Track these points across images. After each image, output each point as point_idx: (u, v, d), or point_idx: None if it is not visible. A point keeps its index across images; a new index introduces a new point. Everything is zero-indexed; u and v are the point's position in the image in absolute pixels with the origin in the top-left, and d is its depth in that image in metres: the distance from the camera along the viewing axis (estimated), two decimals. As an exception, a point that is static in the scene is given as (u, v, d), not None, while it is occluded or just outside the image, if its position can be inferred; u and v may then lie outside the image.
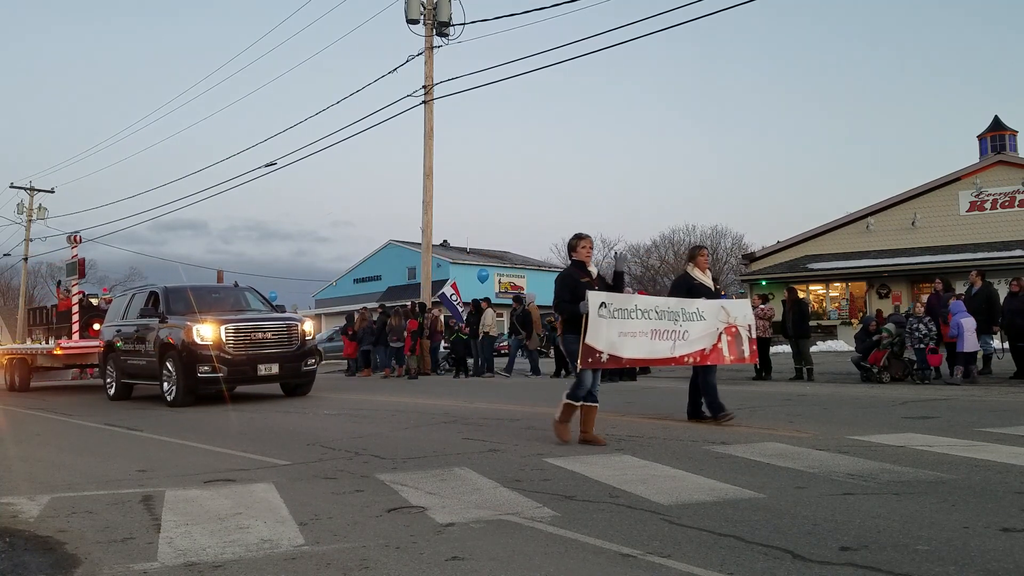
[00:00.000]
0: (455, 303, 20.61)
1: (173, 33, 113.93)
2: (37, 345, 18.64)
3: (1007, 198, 28.00)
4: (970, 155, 51.98)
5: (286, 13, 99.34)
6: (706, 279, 8.27)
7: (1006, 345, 13.78)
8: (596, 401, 6.91)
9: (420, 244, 23.14)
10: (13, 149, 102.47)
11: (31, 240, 41.38)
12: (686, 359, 7.53)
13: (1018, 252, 25.73)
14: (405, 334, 19.44)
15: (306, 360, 12.94)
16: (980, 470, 5.21)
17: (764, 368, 15.15)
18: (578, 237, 7.08)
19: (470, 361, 19.63)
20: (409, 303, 23.93)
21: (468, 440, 7.38)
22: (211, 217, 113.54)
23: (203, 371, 11.84)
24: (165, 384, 12.31)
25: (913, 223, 29.35)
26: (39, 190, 41.29)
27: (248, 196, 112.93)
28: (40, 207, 41.13)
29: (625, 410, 9.62)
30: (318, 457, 6.62)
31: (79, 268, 17.52)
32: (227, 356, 11.98)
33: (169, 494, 5.11)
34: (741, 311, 8.18)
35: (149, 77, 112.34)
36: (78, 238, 18.44)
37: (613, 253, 8.22)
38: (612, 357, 6.75)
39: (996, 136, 30.50)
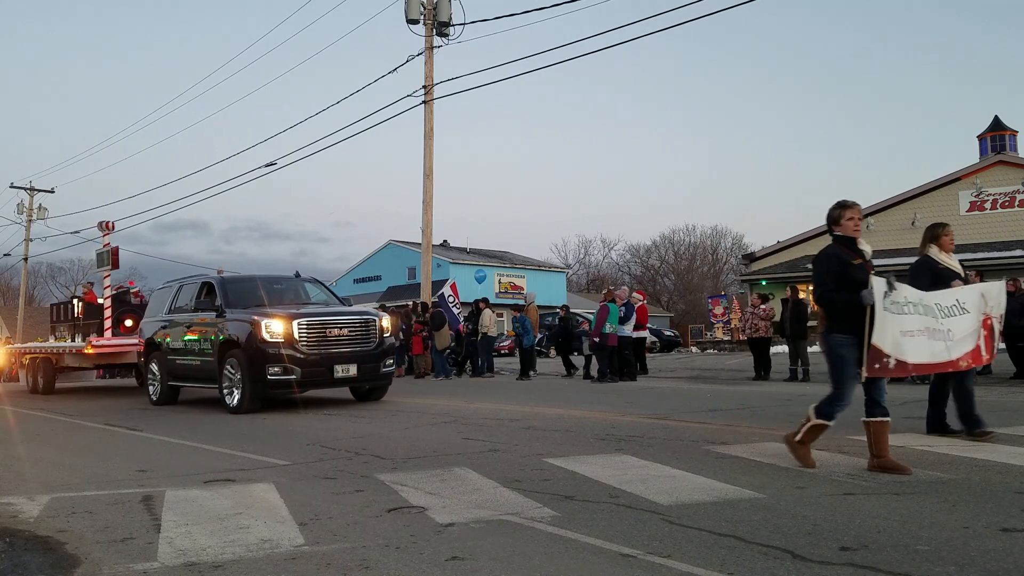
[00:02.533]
0: (452, 305, 20.56)
1: (173, 33, 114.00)
2: (64, 343, 16.95)
3: (1007, 198, 28.01)
4: (970, 155, 52.02)
5: (286, 13, 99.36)
6: (953, 262, 6.70)
7: (1003, 345, 13.77)
8: (888, 414, 5.44)
9: (420, 244, 23.12)
10: (13, 149, 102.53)
11: (31, 240, 41.36)
12: (960, 362, 6.05)
13: (1018, 252, 25.75)
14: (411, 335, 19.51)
15: (385, 360, 11.60)
16: (980, 470, 5.21)
17: (764, 368, 15.17)
18: (842, 206, 5.55)
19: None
20: (411, 303, 23.93)
21: (468, 440, 7.38)
22: (212, 217, 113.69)
23: (273, 372, 10.43)
24: (227, 388, 10.95)
25: (913, 223, 29.34)
26: (39, 190, 41.27)
27: (249, 196, 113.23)
28: (40, 207, 41.08)
29: (625, 410, 9.63)
30: (318, 457, 6.62)
31: (112, 258, 15.88)
32: (300, 355, 10.55)
33: (169, 494, 5.11)
34: (997, 298, 6.46)
35: (149, 77, 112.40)
36: (110, 225, 16.86)
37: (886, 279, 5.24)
38: (899, 363, 5.40)
39: (996, 136, 30.51)
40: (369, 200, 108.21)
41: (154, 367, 13.03)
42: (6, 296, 65.42)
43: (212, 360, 11.32)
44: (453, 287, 21.49)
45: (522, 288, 48.16)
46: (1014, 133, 30.68)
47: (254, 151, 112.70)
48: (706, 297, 52.82)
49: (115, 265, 16.10)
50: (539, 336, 18.97)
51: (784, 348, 16.62)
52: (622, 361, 15.56)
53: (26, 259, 42.10)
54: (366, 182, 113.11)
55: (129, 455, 7.26)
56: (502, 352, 22.63)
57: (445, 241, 52.70)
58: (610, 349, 15.28)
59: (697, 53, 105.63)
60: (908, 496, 4.51)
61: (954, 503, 4.32)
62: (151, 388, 13.13)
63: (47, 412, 12.47)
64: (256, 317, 10.72)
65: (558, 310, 19.62)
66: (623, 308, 15.58)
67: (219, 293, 11.67)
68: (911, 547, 3.52)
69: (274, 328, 10.57)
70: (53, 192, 41.78)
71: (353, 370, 10.96)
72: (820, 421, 5.45)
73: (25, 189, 40.99)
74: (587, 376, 16.73)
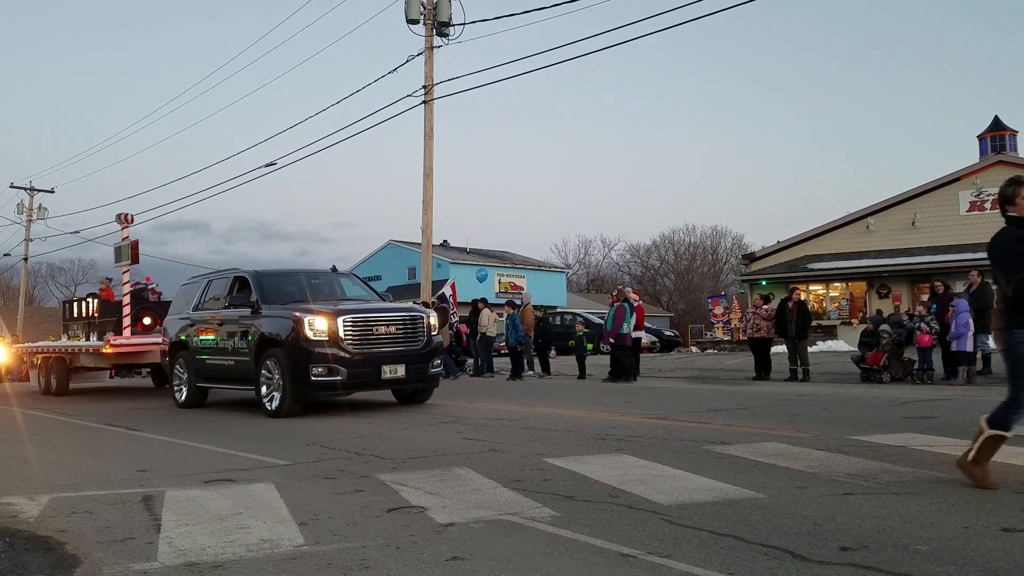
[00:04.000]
0: (450, 306, 20.49)
1: (173, 33, 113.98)
2: (80, 342, 16.10)
3: (1007, 198, 27.98)
4: (970, 155, 52.03)
5: (286, 13, 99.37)
6: None
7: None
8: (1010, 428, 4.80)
9: (420, 244, 23.11)
10: (13, 149, 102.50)
11: (31, 240, 41.34)
12: None
13: (1018, 252, 25.72)
14: None
15: (433, 360, 10.86)
16: (980, 470, 5.20)
17: (764, 369, 15.18)
18: (1017, 183, 5.03)
19: (469, 361, 19.62)
20: (411, 303, 23.85)
21: (468, 440, 7.38)
22: (213, 218, 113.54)
23: (317, 373, 9.77)
24: (265, 390, 10.26)
25: (913, 223, 29.35)
26: (39, 190, 41.22)
27: (250, 196, 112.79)
28: (40, 207, 41.01)
29: (625, 410, 9.63)
30: (318, 457, 6.62)
31: (131, 252, 15.05)
32: (345, 355, 9.86)
33: (169, 494, 5.11)
34: None
35: (150, 77, 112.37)
36: (129, 217, 16.03)
37: None
38: None
39: (996, 136, 30.51)
40: (369, 200, 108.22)
41: (180, 368, 12.31)
42: (6, 296, 65.39)
43: (248, 360, 10.64)
44: (452, 287, 21.44)
45: (522, 288, 48.17)
46: (1014, 133, 30.67)
47: (254, 151, 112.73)
48: (706, 297, 52.82)
49: (135, 259, 15.24)
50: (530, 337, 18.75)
51: (784, 348, 16.64)
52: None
53: (26, 259, 42.07)
54: (366, 182, 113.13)
55: (129, 455, 7.26)
56: (501, 352, 22.59)
57: (445, 241, 52.70)
58: (627, 349, 15.37)
59: (697, 53, 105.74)
60: (908, 496, 4.51)
61: (954, 503, 4.32)
62: (176, 390, 12.41)
63: (48, 412, 12.47)
64: (299, 313, 10.04)
65: (536, 312, 19.47)
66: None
67: (254, 288, 10.99)
68: (911, 547, 3.52)
69: (318, 325, 9.87)
70: (53, 192, 41.73)
71: (401, 371, 10.29)
72: (995, 432, 4.76)
73: (25, 189, 40.95)
74: (581, 376, 16.79)
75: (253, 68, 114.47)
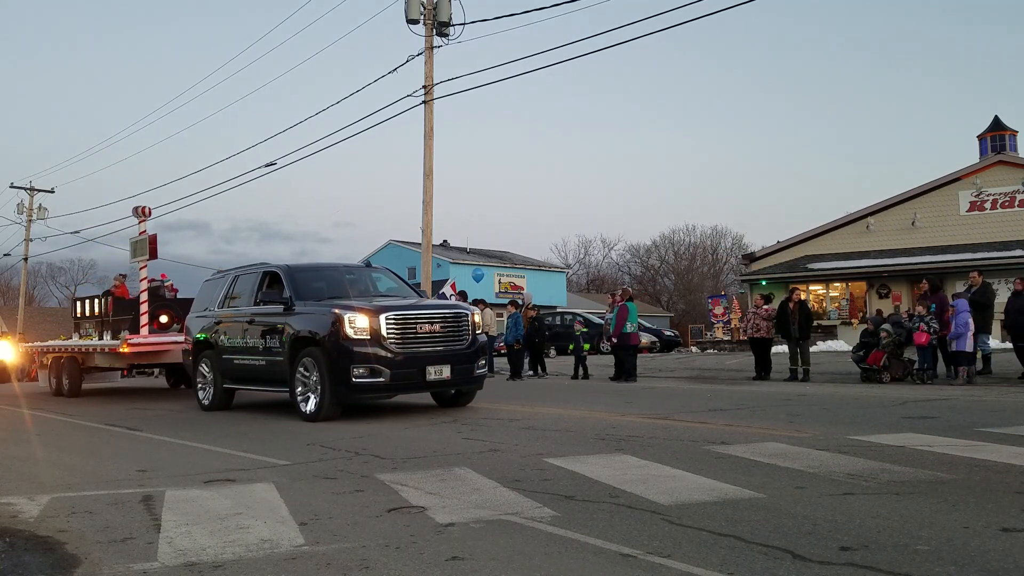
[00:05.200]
0: None
1: (173, 33, 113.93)
2: (94, 341, 15.39)
3: (1007, 198, 28.00)
4: (970, 155, 51.95)
5: (286, 13, 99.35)
6: None
7: (1003, 345, 13.78)
8: None
9: (420, 244, 23.12)
10: (13, 149, 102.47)
11: (31, 240, 41.33)
12: None
13: (1018, 252, 25.72)
14: None
15: (479, 360, 10.33)
16: (980, 470, 5.21)
17: (764, 368, 15.18)
18: None
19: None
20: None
21: (468, 440, 7.38)
22: (213, 218, 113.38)
23: (358, 374, 9.13)
24: (301, 392, 9.61)
25: (913, 223, 29.33)
26: (39, 190, 41.19)
27: (250, 196, 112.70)
28: (40, 207, 40.98)
29: (625, 410, 9.63)
30: (318, 457, 6.63)
31: (150, 247, 14.47)
32: (388, 355, 9.24)
33: (169, 494, 5.11)
34: None
35: (149, 77, 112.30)
36: (146, 211, 15.26)
37: None
38: None
39: (996, 136, 30.49)
40: (369, 200, 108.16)
41: (204, 368, 11.61)
42: (6, 296, 65.35)
43: (282, 360, 9.99)
44: (452, 286, 21.45)
45: (522, 288, 48.15)
46: (1014, 133, 30.66)
47: (254, 151, 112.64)
48: (706, 297, 52.83)
49: (152, 255, 14.65)
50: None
51: (784, 348, 16.63)
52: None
53: (26, 259, 42.05)
54: (366, 182, 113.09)
55: (129, 455, 7.27)
56: (502, 352, 22.58)
57: (445, 241, 52.68)
58: (630, 349, 15.37)
59: (697, 53, 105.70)
60: (908, 496, 4.51)
61: (954, 503, 4.32)
62: (201, 392, 11.71)
63: (49, 412, 12.47)
64: (338, 311, 9.40)
65: (530, 312, 19.43)
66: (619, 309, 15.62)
67: (287, 284, 10.32)
68: (911, 547, 3.52)
69: (359, 323, 9.23)
70: (53, 192, 41.69)
71: (446, 372, 9.66)
72: None
73: (25, 189, 40.92)
74: (575, 376, 16.79)
75: (253, 68, 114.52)
